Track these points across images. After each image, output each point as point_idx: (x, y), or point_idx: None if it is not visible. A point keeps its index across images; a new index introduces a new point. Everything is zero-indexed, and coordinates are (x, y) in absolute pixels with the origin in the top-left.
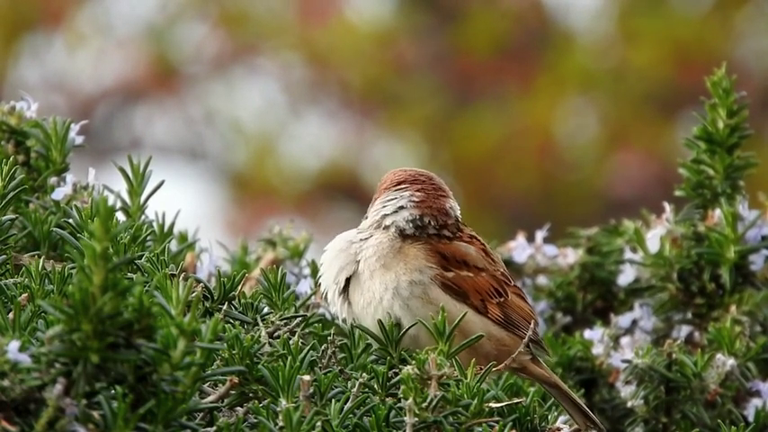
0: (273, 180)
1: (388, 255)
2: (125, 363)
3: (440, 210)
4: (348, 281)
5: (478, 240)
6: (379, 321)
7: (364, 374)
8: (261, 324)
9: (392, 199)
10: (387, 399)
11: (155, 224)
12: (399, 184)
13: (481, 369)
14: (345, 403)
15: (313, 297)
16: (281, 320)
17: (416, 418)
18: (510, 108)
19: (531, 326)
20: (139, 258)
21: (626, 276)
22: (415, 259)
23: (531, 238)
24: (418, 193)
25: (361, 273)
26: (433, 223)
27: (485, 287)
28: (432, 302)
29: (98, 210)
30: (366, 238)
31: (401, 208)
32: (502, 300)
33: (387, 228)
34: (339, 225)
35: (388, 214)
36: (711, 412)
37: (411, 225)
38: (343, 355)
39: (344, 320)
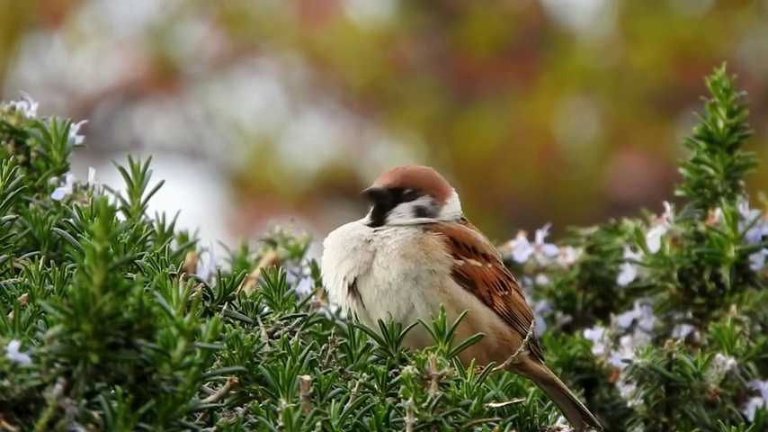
0: (273, 180)
1: (408, 245)
2: (125, 363)
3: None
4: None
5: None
6: (380, 321)
7: (364, 374)
8: (261, 324)
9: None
10: (387, 399)
11: (155, 224)
12: (442, 186)
13: (481, 369)
14: (345, 403)
15: (313, 297)
16: (281, 320)
17: (416, 418)
18: (510, 108)
19: (531, 324)
20: (139, 258)
21: (626, 276)
22: (435, 249)
23: (531, 238)
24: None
25: (376, 266)
26: None
27: (491, 278)
28: (445, 291)
29: (98, 210)
30: (387, 235)
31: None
32: (506, 293)
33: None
34: (339, 225)
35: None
36: (711, 412)
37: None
38: (343, 355)
39: (350, 314)
